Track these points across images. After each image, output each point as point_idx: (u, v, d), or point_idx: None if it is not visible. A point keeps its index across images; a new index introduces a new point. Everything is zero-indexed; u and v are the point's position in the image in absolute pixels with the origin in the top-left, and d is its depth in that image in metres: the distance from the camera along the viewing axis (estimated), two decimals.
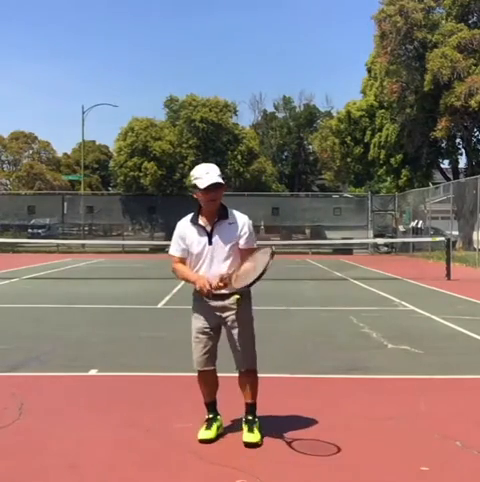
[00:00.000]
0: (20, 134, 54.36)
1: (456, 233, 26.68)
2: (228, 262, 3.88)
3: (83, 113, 40.31)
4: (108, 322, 9.11)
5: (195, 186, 3.87)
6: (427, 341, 7.48)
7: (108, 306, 10.77)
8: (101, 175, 60.44)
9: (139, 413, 4.59)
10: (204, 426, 4.01)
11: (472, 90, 24.00)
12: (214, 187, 3.81)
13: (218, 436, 4.00)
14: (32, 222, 34.28)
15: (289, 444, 3.90)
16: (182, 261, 4.02)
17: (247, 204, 26.74)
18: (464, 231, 27.37)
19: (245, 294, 3.93)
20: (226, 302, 3.90)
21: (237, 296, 3.86)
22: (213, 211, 3.93)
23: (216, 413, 4.09)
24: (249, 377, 4.00)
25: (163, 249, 31.35)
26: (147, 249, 31.49)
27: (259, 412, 4.04)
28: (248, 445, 3.86)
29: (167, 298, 11.66)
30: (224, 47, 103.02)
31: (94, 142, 61.02)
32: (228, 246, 3.89)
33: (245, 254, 3.86)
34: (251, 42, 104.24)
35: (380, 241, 30.03)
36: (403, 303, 10.98)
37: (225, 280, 3.74)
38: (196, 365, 4.01)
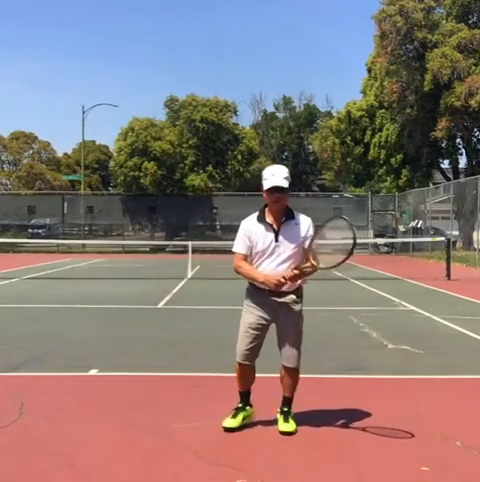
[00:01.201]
0: (20, 134, 54.34)
1: (456, 233, 26.68)
2: (291, 260, 4.04)
3: (83, 113, 40.37)
4: (108, 322, 9.11)
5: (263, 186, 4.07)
6: (427, 341, 7.48)
7: (108, 306, 10.76)
8: (101, 175, 60.42)
9: (139, 413, 4.59)
10: (231, 415, 4.14)
11: (472, 90, 24.01)
12: (276, 190, 3.97)
13: (244, 425, 4.13)
14: (32, 222, 34.28)
15: (289, 444, 3.90)
16: (245, 258, 4.15)
17: (247, 204, 26.56)
18: (464, 231, 27.37)
19: (299, 295, 4.16)
20: (282, 300, 4.07)
21: (293, 296, 4.08)
22: (280, 211, 4.08)
23: (246, 404, 4.21)
24: (292, 374, 4.22)
25: (163, 249, 31.50)
26: (147, 249, 31.50)
27: (259, 411, 4.04)
28: (284, 434, 4.03)
29: (167, 298, 11.66)
30: (224, 47, 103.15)
31: (94, 142, 61.00)
32: (293, 245, 4.05)
33: (308, 253, 4.04)
34: (251, 42, 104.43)
35: (380, 241, 30.04)
36: (403, 303, 10.98)
37: (305, 268, 3.95)
38: (238, 357, 4.15)
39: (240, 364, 4.18)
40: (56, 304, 10.90)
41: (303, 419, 4.37)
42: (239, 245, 4.15)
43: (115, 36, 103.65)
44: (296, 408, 4.50)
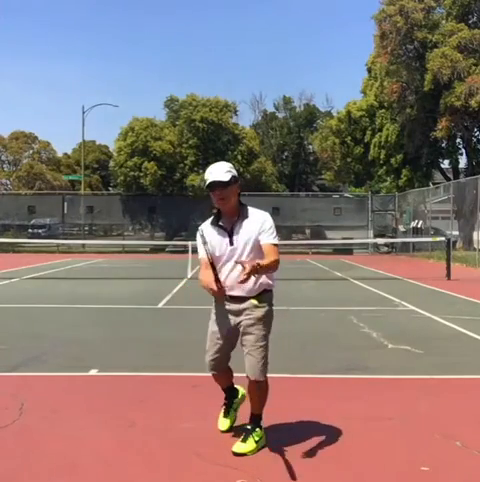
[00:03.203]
0: (20, 134, 54.36)
1: (456, 233, 26.69)
2: None
3: (83, 113, 40.40)
4: (108, 322, 9.11)
5: None
6: (427, 341, 7.48)
7: (108, 306, 10.76)
8: (101, 175, 60.43)
9: (139, 413, 4.59)
10: (222, 413, 4.16)
11: (472, 90, 24.01)
12: (216, 185, 3.69)
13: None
14: (32, 222, 34.28)
15: (289, 444, 3.90)
16: (212, 263, 3.74)
17: (247, 204, 26.66)
18: (464, 231, 27.38)
19: (264, 300, 3.83)
20: (242, 306, 3.81)
21: (254, 301, 3.79)
22: (230, 211, 3.81)
23: (232, 397, 4.19)
24: (255, 387, 3.86)
25: (163, 249, 31.50)
26: (147, 249, 31.51)
27: None
28: (234, 454, 3.74)
29: (167, 298, 11.66)
30: (224, 47, 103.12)
31: (94, 142, 61.02)
32: (249, 245, 3.75)
33: (266, 250, 3.73)
34: (251, 42, 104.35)
35: (380, 241, 30.05)
36: (403, 303, 10.98)
37: (248, 265, 3.48)
38: (206, 367, 4.02)
39: (212, 373, 4.07)
40: (56, 304, 10.90)
41: (302, 419, 4.38)
42: (201, 252, 3.80)
43: (115, 36, 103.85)
44: (295, 408, 4.51)
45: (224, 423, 4.15)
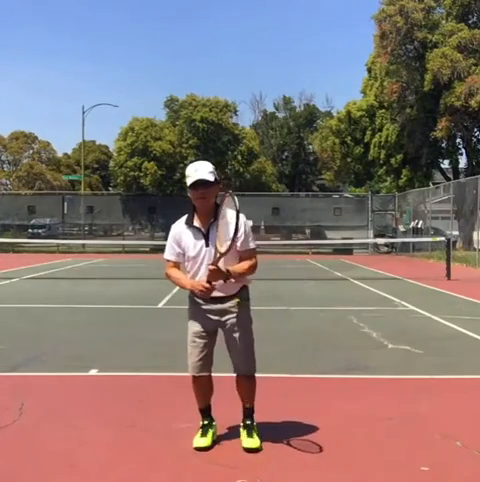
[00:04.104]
0: (20, 134, 54.38)
1: (456, 233, 26.68)
2: (227, 264, 3.67)
3: (83, 113, 40.35)
4: (108, 322, 9.11)
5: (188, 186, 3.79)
6: (427, 341, 7.48)
7: (108, 306, 10.77)
8: (101, 175, 60.45)
9: (139, 413, 4.59)
10: (199, 433, 3.90)
11: (472, 90, 24.02)
12: (201, 184, 3.68)
13: (214, 441, 3.90)
14: (32, 222, 34.29)
15: (289, 444, 3.90)
16: (177, 266, 3.91)
17: (247, 204, 26.73)
18: (464, 231, 27.37)
19: (244, 297, 3.86)
20: (225, 305, 3.79)
21: (237, 299, 3.80)
22: (207, 211, 3.77)
23: (211, 419, 3.99)
24: (248, 382, 3.90)
25: (163, 249, 31.33)
26: (147, 249, 31.49)
27: (258, 412, 4.02)
28: (248, 450, 3.76)
29: (167, 298, 11.66)
30: (224, 47, 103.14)
31: (94, 142, 61.03)
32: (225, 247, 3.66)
33: (244, 256, 3.78)
34: (251, 42, 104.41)
35: (380, 241, 30.05)
36: (403, 303, 10.98)
37: (213, 268, 3.58)
38: (191, 370, 3.89)
39: (195, 377, 3.89)
40: (56, 304, 10.90)
41: (302, 419, 4.37)
42: (168, 252, 3.91)
43: (115, 37, 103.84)
44: (295, 408, 4.50)
45: (202, 441, 3.85)
